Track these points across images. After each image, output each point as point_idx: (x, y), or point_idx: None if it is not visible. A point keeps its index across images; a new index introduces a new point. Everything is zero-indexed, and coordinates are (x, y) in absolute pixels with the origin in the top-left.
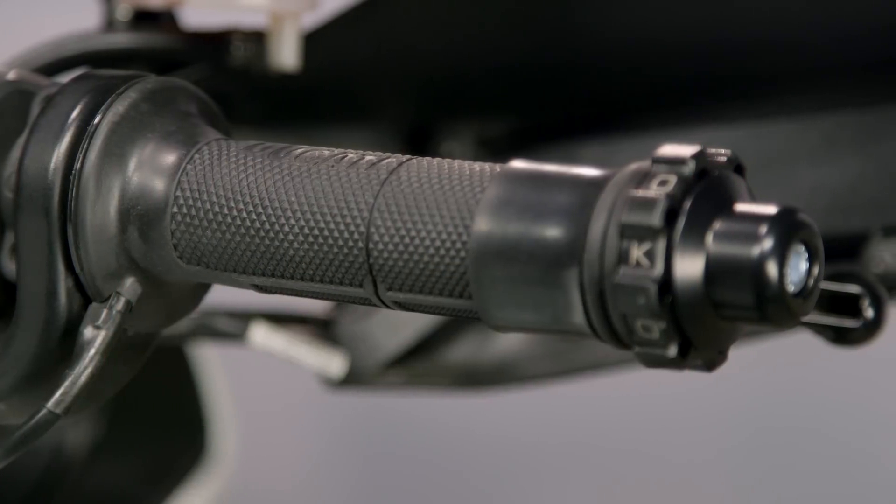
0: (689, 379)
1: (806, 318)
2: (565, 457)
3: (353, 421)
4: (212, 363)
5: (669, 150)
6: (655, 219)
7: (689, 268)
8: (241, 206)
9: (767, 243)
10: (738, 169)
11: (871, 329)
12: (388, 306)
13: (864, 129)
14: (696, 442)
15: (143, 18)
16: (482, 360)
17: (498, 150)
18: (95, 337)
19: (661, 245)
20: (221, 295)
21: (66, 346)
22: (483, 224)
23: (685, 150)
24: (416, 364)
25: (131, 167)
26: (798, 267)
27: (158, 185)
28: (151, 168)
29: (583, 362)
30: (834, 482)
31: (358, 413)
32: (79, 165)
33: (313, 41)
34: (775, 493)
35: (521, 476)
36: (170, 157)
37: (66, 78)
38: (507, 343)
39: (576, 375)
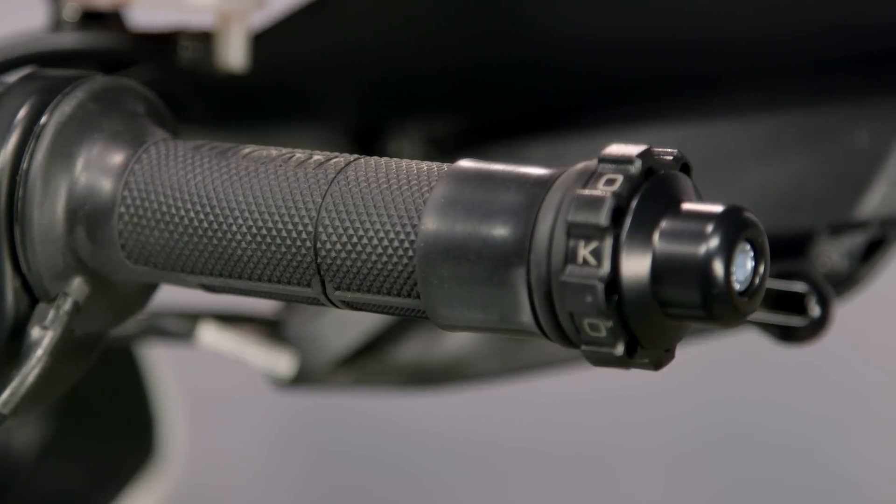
0: (641, 377)
1: (752, 317)
2: (515, 456)
3: (303, 420)
4: (160, 363)
5: (616, 149)
6: (602, 218)
7: (635, 266)
8: (189, 205)
9: (713, 242)
10: (685, 168)
11: (817, 327)
12: (336, 306)
13: (809, 129)
14: (648, 441)
15: (90, 19)
16: (431, 359)
17: (447, 149)
18: (43, 337)
19: (607, 244)
20: (171, 295)
21: (13, 346)
22: (430, 223)
23: (632, 149)
24: (365, 363)
25: (78, 167)
26: (744, 265)
27: (106, 184)
28: (99, 168)
29: (532, 361)
30: (780, 481)
31: (307, 412)
32: (25, 165)
33: (262, 41)
34: (727, 494)
35: (470, 475)
36: (117, 157)
37: (12, 78)
38: (457, 342)
39: (525, 374)
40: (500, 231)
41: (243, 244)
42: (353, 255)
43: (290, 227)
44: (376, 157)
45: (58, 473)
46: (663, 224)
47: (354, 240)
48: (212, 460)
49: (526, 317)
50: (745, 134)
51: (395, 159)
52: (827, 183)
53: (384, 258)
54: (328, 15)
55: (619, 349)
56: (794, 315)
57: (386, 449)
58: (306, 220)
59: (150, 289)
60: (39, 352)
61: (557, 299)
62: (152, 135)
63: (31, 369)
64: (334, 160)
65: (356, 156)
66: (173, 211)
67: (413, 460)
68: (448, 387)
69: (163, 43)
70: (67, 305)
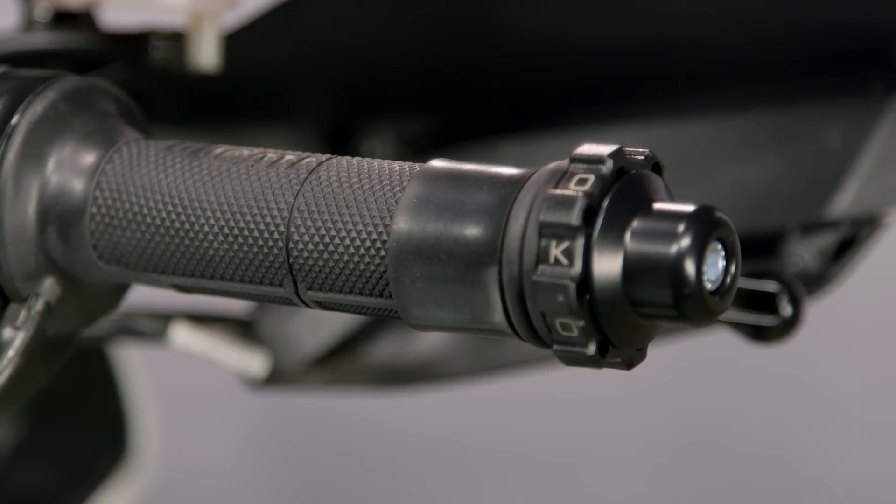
0: (612, 377)
1: (724, 316)
2: (488, 455)
3: (276, 420)
4: (133, 363)
5: (588, 149)
6: (574, 217)
7: (607, 266)
8: (161, 206)
9: (685, 241)
10: (656, 168)
11: (789, 326)
12: (308, 306)
13: (780, 128)
14: (618, 441)
15: (61, 19)
16: (404, 358)
17: (419, 148)
18: (14, 338)
19: (579, 243)
20: (144, 295)
21: None
22: (402, 223)
23: (603, 149)
24: (338, 363)
25: (50, 167)
26: (715, 265)
27: (77, 185)
28: (70, 168)
29: (504, 361)
30: (751, 482)
31: (280, 412)
32: None
33: (234, 41)
34: (698, 495)
35: (443, 474)
36: (88, 157)
37: None
38: (429, 342)
39: (497, 374)
40: (472, 231)
41: (215, 244)
42: (326, 255)
43: (262, 227)
44: (348, 157)
45: (30, 474)
46: (635, 224)
47: (326, 240)
48: (185, 460)
49: (498, 316)
50: (717, 133)
51: (367, 159)
52: (798, 182)
53: (356, 258)
54: (300, 15)
55: (591, 349)
56: (766, 314)
57: (359, 448)
58: (278, 221)
59: (122, 289)
60: (11, 352)
61: (529, 299)
62: (124, 135)
63: (2, 370)
64: (306, 160)
65: (328, 156)
66: (145, 211)
67: (386, 459)
68: (421, 386)
69: (134, 43)
70: (39, 306)
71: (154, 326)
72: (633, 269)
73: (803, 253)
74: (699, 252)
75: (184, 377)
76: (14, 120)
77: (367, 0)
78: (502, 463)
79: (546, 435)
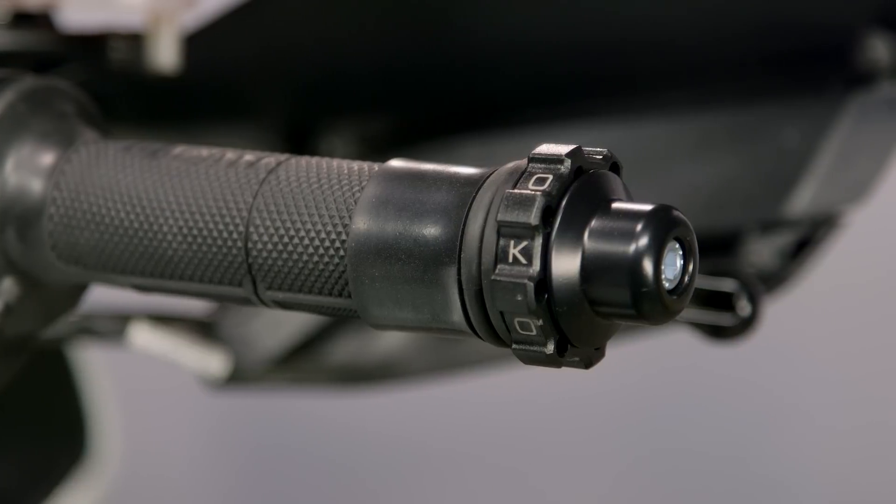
0: (574, 376)
1: (682, 315)
2: (449, 455)
3: (236, 420)
4: (93, 363)
5: (546, 148)
6: (532, 217)
7: (565, 265)
8: (119, 206)
9: (642, 241)
10: (615, 167)
11: (747, 325)
12: (267, 306)
13: (739, 128)
14: (582, 439)
15: (20, 20)
16: (364, 358)
17: (379, 147)
18: None
19: (538, 243)
20: (104, 295)
21: None
22: (361, 223)
23: (561, 148)
24: (299, 363)
25: (8, 168)
26: (673, 264)
27: (35, 185)
28: (28, 168)
29: (464, 360)
30: (707, 483)
31: (241, 412)
32: None
33: (195, 41)
34: (657, 492)
35: (404, 474)
36: (47, 158)
37: None
38: (390, 341)
39: (457, 373)
40: (431, 230)
41: (174, 244)
42: (285, 255)
43: (220, 227)
44: (307, 157)
45: None
46: (593, 223)
47: (286, 240)
48: (145, 460)
49: (457, 316)
50: (675, 133)
51: (326, 159)
52: (756, 181)
53: (315, 258)
54: (260, 15)
55: (550, 348)
56: (725, 313)
57: (319, 447)
58: (237, 221)
59: (81, 289)
60: None
61: (488, 298)
62: (82, 135)
63: None
64: (265, 160)
65: (287, 155)
66: (104, 211)
67: (346, 458)
68: (382, 385)
69: (93, 44)
70: None
71: (114, 327)
72: (592, 268)
73: (762, 252)
74: (657, 251)
75: (144, 377)
76: None
77: (325, 1)
78: (463, 463)
79: (505, 437)
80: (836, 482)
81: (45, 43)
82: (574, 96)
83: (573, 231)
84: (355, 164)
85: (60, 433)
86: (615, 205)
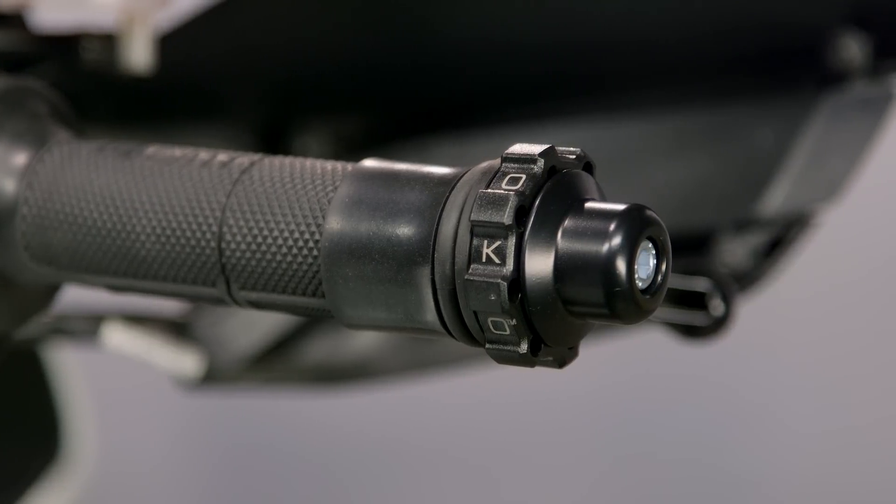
0: (549, 375)
1: (655, 315)
2: (424, 455)
3: (210, 420)
4: (67, 363)
5: (519, 148)
6: (505, 216)
7: (538, 265)
8: (92, 206)
9: (615, 240)
10: (588, 167)
11: (721, 324)
12: (241, 306)
13: (713, 127)
14: (558, 438)
15: None
16: (338, 358)
17: (354, 147)
18: None
19: (511, 242)
20: (80, 295)
21: None
22: (335, 223)
23: (535, 148)
24: (273, 363)
25: None
26: (647, 263)
27: (8, 185)
28: (1, 168)
29: (438, 359)
30: (680, 483)
31: (215, 412)
32: None
33: (168, 42)
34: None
35: (378, 473)
36: (19, 158)
37: None
38: (364, 341)
39: (431, 372)
40: (405, 230)
41: (147, 245)
42: (258, 255)
43: (194, 227)
44: (281, 157)
45: None
46: (566, 223)
47: (259, 240)
48: (119, 460)
49: (430, 315)
50: (649, 132)
51: (299, 158)
52: (730, 181)
53: (289, 258)
54: (233, 15)
55: (523, 347)
56: (698, 312)
57: (294, 447)
58: (210, 221)
59: (54, 290)
60: None
61: (462, 298)
62: (55, 135)
63: None
64: (238, 160)
65: (260, 155)
66: (76, 211)
67: (321, 458)
68: (356, 385)
69: (66, 44)
70: None
71: (87, 327)
72: (565, 267)
73: (735, 251)
74: (630, 251)
75: (118, 378)
76: None
77: (300, 0)
78: (438, 462)
79: (480, 436)
80: (810, 482)
81: (17, 43)
82: (548, 96)
83: (546, 231)
84: (329, 164)
85: (34, 434)
86: (588, 204)
